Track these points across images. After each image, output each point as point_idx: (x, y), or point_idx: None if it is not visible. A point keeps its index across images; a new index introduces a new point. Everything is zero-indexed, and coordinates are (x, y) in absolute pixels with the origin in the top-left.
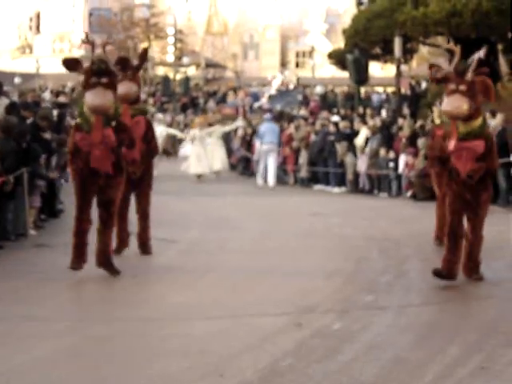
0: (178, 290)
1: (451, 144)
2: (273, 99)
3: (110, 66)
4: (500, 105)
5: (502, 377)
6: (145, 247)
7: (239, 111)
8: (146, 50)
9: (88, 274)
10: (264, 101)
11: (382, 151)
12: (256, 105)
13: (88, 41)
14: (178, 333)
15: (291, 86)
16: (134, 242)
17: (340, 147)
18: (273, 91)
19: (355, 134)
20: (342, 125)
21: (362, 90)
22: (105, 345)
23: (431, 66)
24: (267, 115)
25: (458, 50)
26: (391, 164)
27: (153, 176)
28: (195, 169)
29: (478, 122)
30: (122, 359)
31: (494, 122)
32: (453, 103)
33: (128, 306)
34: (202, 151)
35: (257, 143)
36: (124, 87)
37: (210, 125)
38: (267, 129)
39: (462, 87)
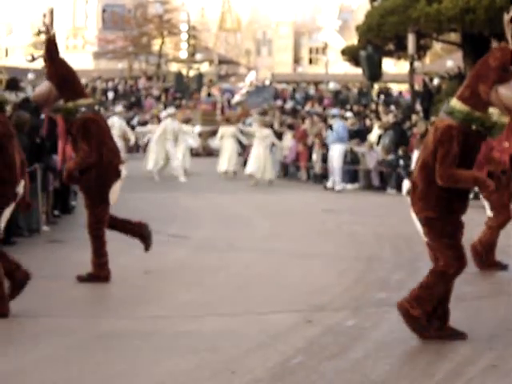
0: (189, 287)
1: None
2: (250, 95)
3: None
4: None
5: None
6: None
7: (217, 107)
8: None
9: None
10: (238, 97)
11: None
12: (233, 101)
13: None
14: (188, 330)
15: (267, 82)
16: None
17: (351, 143)
18: (247, 87)
19: (367, 130)
20: (350, 121)
21: (376, 86)
22: (115, 342)
23: None
24: (334, 111)
25: None
26: (401, 161)
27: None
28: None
29: None
30: (132, 357)
31: None
32: None
33: (138, 303)
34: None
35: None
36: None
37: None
38: (337, 127)
39: None
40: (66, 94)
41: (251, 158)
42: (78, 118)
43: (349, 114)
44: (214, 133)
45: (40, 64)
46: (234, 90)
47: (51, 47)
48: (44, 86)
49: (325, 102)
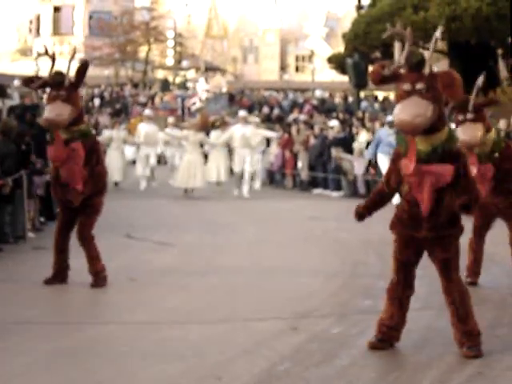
0: (175, 293)
1: (409, 167)
2: (209, 102)
3: (66, 79)
4: (499, 110)
5: (499, 382)
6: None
7: (178, 113)
8: (85, 64)
9: (85, 277)
10: (193, 103)
11: None
12: (193, 107)
13: (47, 53)
14: (174, 336)
15: (224, 90)
16: (134, 248)
17: (335, 151)
18: (200, 95)
19: (352, 138)
20: (335, 129)
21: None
22: (100, 348)
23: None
24: (388, 118)
25: (409, 33)
26: None
27: (97, 209)
28: None
29: (444, 134)
30: (118, 363)
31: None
32: (408, 111)
33: (124, 309)
34: None
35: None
36: (53, 111)
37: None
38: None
39: (420, 85)
40: (78, 117)
41: (180, 166)
42: (89, 140)
43: (335, 123)
44: None
45: (30, 70)
46: (184, 97)
47: (83, 74)
48: (64, 108)
49: (305, 109)
